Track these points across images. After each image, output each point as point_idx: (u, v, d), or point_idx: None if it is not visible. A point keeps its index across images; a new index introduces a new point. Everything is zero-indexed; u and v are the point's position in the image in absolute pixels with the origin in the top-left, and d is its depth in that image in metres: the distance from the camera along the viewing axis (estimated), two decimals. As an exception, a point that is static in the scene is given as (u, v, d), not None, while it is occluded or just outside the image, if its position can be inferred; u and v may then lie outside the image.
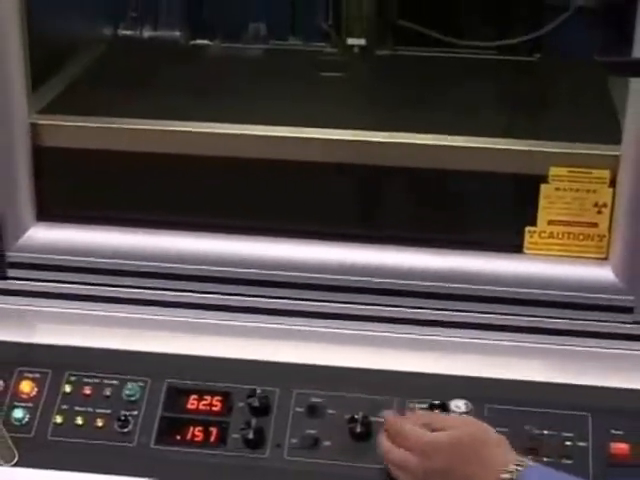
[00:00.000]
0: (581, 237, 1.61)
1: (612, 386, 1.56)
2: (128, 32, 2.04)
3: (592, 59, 1.51)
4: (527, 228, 1.62)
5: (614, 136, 1.57)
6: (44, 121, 1.67)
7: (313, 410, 1.56)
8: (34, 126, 1.66)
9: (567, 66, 1.93)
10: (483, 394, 1.51)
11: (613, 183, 1.58)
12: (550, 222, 1.61)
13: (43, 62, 1.72)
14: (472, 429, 1.43)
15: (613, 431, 1.50)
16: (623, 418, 1.52)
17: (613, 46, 1.60)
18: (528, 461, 1.37)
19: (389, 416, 1.48)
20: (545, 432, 1.47)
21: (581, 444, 1.49)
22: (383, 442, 1.46)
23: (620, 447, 1.48)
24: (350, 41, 1.92)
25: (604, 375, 1.57)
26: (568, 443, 1.49)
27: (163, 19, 2.07)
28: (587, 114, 1.73)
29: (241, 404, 1.56)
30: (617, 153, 1.56)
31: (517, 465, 1.34)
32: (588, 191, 1.59)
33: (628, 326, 1.60)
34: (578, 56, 1.82)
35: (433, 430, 1.42)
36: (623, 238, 1.57)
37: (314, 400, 1.56)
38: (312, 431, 1.54)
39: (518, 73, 1.98)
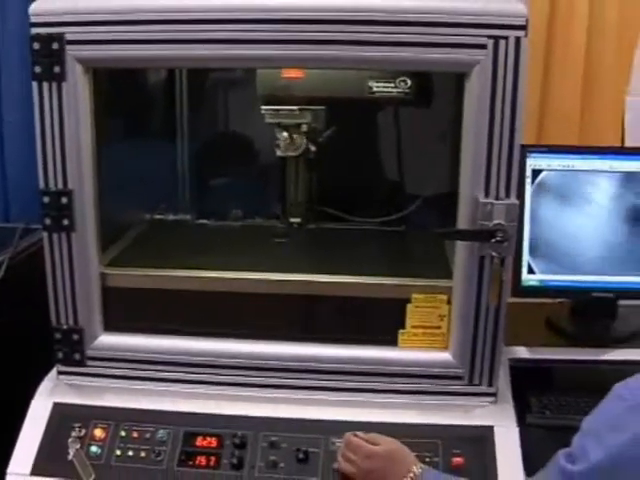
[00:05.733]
0: (432, 335, 1.65)
1: (452, 423, 1.61)
2: (160, 216, 2.04)
3: (433, 229, 1.66)
4: (399, 330, 1.65)
5: (448, 274, 1.63)
6: (108, 271, 1.69)
7: (273, 445, 1.59)
8: (103, 274, 1.67)
9: (420, 233, 1.94)
10: (378, 431, 1.53)
11: (449, 302, 1.63)
12: (413, 326, 1.65)
13: (108, 236, 1.74)
14: (398, 445, 1.49)
15: (454, 450, 1.56)
16: (460, 442, 1.57)
17: (445, 221, 1.65)
18: (427, 467, 1.47)
19: (347, 434, 1.53)
20: (414, 453, 1.49)
21: (435, 459, 1.55)
22: (339, 454, 1.52)
23: (458, 460, 1.55)
24: (292, 220, 1.92)
25: (448, 417, 1.62)
26: (427, 460, 1.53)
27: (180, 208, 2.09)
28: (433, 262, 1.76)
29: (228, 442, 1.60)
30: (450, 284, 1.61)
31: (420, 468, 1.44)
32: (434, 307, 1.64)
33: (460, 387, 1.64)
34: (427, 227, 1.87)
35: (373, 444, 1.49)
36: (456, 336, 1.63)
37: (273, 439, 1.60)
38: (272, 457, 1.58)
39: (392, 238, 1.99)
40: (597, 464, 1.12)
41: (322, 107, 1.81)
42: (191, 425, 1.63)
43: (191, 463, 1.58)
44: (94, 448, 1.60)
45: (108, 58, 1.54)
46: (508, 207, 1.51)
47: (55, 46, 1.53)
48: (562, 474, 1.17)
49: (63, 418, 1.64)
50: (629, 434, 1.09)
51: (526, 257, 1.89)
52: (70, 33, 1.53)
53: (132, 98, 1.95)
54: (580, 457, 1.15)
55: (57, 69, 1.54)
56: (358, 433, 1.54)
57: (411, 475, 1.43)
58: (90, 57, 1.54)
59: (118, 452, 1.59)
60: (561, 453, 1.20)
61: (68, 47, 1.53)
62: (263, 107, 1.79)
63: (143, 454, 1.59)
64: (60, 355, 1.69)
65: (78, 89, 1.55)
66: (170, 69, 2.10)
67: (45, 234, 1.62)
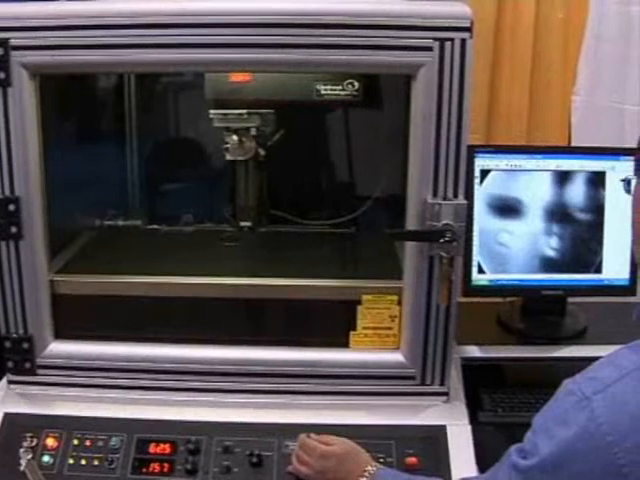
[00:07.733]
0: (383, 336, 1.66)
1: (405, 424, 1.62)
2: (110, 222, 2.03)
3: (383, 230, 1.67)
4: (351, 332, 1.66)
5: (398, 275, 1.64)
6: (58, 278, 1.68)
7: (226, 450, 1.59)
8: (52, 281, 1.66)
9: (371, 234, 1.96)
10: (332, 433, 1.55)
11: (400, 303, 1.64)
12: (364, 328, 1.66)
13: (57, 243, 1.73)
14: (352, 445, 1.52)
15: (407, 450, 1.57)
16: (413, 442, 1.59)
17: (397, 222, 1.65)
18: (382, 466, 1.49)
19: (301, 436, 1.55)
20: (370, 453, 1.52)
21: (389, 460, 1.56)
22: (294, 454, 1.54)
23: (412, 460, 1.56)
24: (242, 224, 1.91)
25: (400, 417, 1.64)
26: (381, 460, 1.54)
27: (130, 214, 2.08)
28: (384, 263, 1.77)
29: (182, 448, 1.59)
30: (400, 285, 1.63)
31: (375, 467, 1.46)
32: (385, 308, 1.65)
33: (412, 387, 1.66)
34: (377, 228, 1.88)
35: (327, 445, 1.52)
36: (407, 336, 1.64)
37: (226, 444, 1.60)
38: (226, 462, 1.57)
39: (343, 240, 1.99)
40: (546, 458, 1.14)
41: (271, 110, 1.81)
42: (144, 432, 1.62)
43: (145, 470, 1.57)
44: (46, 457, 1.58)
45: (54, 63, 1.53)
46: (456, 207, 1.53)
47: (0, 52, 1.52)
48: (514, 469, 1.19)
49: (14, 428, 1.62)
50: (576, 428, 1.11)
51: (476, 257, 1.91)
52: (15, 38, 1.52)
53: (81, 103, 1.95)
54: (531, 452, 1.17)
55: (2, 75, 1.52)
56: (312, 435, 1.55)
57: (366, 474, 1.46)
58: (36, 63, 1.53)
59: (71, 461, 1.58)
60: (513, 449, 1.22)
61: (13, 53, 1.52)
62: (212, 111, 1.79)
63: (96, 462, 1.58)
64: (10, 364, 1.68)
65: (24, 95, 1.54)
66: (119, 74, 2.09)
67: (-7, 242, 1.60)
